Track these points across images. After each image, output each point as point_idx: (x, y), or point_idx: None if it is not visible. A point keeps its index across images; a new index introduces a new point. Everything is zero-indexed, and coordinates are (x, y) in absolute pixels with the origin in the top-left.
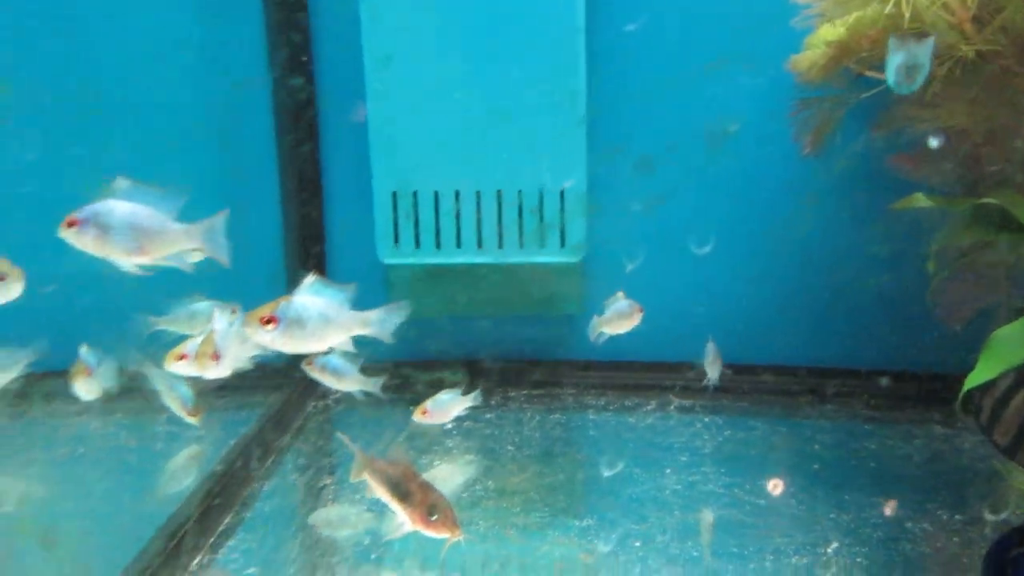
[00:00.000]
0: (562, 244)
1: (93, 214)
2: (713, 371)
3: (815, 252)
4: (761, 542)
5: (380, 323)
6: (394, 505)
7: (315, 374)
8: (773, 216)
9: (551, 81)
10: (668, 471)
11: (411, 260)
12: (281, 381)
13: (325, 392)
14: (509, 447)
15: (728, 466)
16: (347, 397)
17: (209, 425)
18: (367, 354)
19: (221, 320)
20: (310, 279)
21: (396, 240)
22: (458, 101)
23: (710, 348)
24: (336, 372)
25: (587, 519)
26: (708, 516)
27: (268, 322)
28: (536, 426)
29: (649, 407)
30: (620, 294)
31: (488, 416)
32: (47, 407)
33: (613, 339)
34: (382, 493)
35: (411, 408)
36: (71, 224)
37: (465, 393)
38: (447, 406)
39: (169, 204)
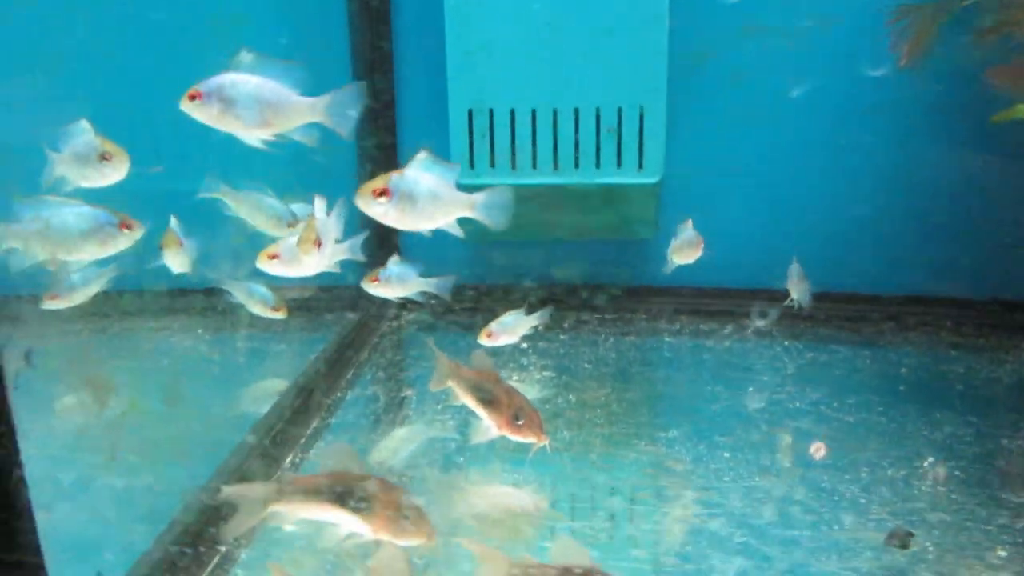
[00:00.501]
0: (640, 165)
1: (217, 87)
2: (799, 292)
3: (903, 174)
4: (853, 455)
5: (486, 207)
6: (479, 410)
7: (379, 289)
8: (858, 137)
9: None
10: (751, 389)
11: (486, 181)
12: (353, 303)
13: (397, 314)
14: (586, 365)
15: (812, 386)
16: (419, 319)
17: (288, 341)
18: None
19: (321, 208)
20: (422, 154)
21: (471, 160)
22: (537, 15)
23: (794, 269)
24: (400, 278)
25: (672, 431)
26: (796, 430)
27: (381, 194)
28: (611, 347)
29: (725, 331)
30: (689, 222)
31: (562, 338)
32: (127, 323)
33: (687, 264)
34: (467, 399)
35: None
36: (194, 97)
37: (530, 313)
38: (512, 327)
39: (293, 77)
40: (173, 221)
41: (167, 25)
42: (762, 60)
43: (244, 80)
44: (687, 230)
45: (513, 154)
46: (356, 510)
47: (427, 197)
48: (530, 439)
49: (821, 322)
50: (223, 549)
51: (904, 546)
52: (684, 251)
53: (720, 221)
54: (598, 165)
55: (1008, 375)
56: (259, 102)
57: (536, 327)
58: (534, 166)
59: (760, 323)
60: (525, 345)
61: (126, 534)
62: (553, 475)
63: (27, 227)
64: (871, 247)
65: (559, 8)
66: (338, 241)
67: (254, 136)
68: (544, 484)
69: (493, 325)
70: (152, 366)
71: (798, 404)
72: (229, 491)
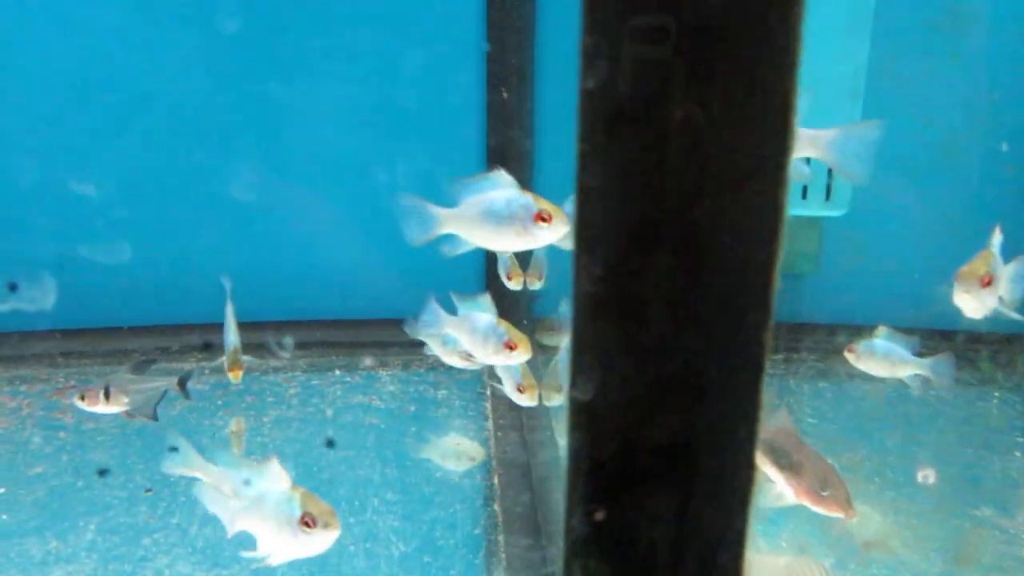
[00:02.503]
0: (827, 196)
1: None
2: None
3: None
4: None
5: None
6: (775, 475)
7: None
8: None
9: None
10: (1018, 454)
11: None
12: None
13: None
14: (809, 420)
15: None
16: None
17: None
18: None
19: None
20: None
21: None
22: None
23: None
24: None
25: (982, 508)
26: None
27: None
28: (813, 395)
29: None
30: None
31: None
32: None
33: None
34: (761, 461)
35: None
36: None
37: None
38: None
39: None
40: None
41: None
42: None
43: None
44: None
45: None
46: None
47: None
48: (835, 512)
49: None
50: None
51: None
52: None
53: (880, 255)
54: None
55: None
56: None
57: None
58: None
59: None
60: None
61: None
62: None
63: (465, 212)
64: None
65: None
66: None
67: None
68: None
69: None
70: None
71: None
72: None
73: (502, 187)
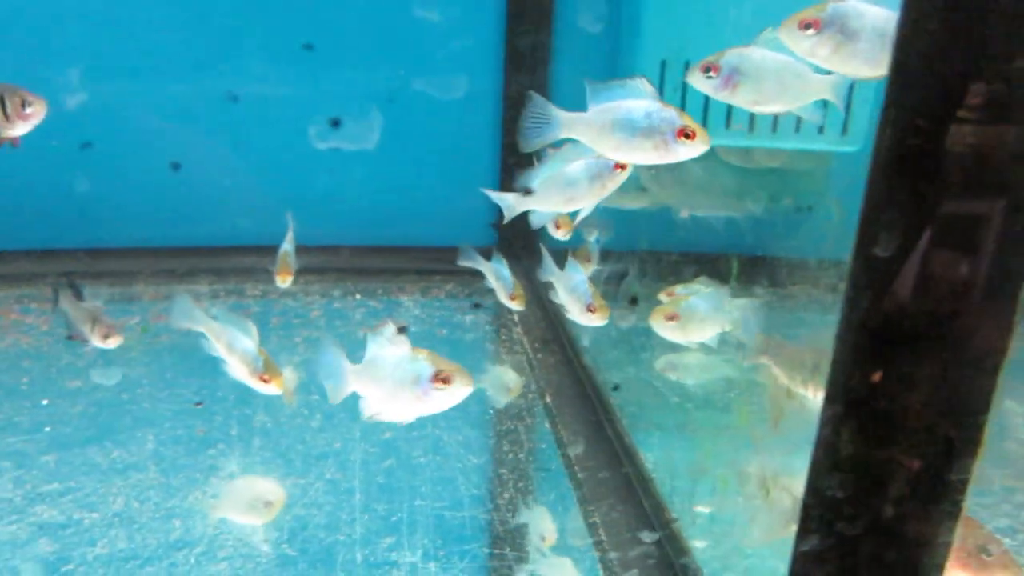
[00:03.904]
0: (844, 130)
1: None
2: None
3: None
4: None
5: None
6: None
7: None
8: None
9: None
10: None
11: None
12: None
13: None
14: None
15: None
16: None
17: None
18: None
19: None
20: None
21: None
22: None
23: None
24: None
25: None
26: None
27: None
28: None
29: None
30: None
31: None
32: None
33: None
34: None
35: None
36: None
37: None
38: (705, 314)
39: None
40: None
41: None
42: None
43: (760, 54)
44: None
45: (705, 112)
46: None
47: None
48: None
49: None
50: None
51: None
52: None
53: None
54: (797, 129)
55: None
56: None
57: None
58: (727, 126)
59: None
60: None
61: None
62: None
63: (597, 117)
64: None
65: None
66: None
67: (769, 110)
68: None
69: (681, 307)
70: None
71: None
72: None
73: (642, 96)
